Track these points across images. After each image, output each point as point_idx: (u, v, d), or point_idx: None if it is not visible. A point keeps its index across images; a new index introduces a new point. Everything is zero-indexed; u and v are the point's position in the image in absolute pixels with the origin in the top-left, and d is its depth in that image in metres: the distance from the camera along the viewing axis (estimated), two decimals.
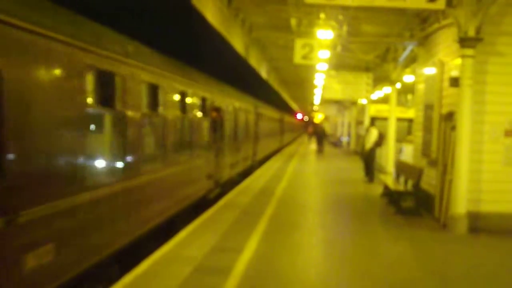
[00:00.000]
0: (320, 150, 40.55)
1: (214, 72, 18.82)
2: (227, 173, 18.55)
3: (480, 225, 11.89)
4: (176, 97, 11.79)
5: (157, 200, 10.48)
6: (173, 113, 11.41)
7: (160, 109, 10.68)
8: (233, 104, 20.09)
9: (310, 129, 73.49)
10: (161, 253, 9.30)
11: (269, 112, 36.03)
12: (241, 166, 22.42)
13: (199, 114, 14.20)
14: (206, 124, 15.11)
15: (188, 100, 12.90)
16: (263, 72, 33.91)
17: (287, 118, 60.97)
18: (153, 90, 10.30)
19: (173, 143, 11.46)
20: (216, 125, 16.44)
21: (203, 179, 14.67)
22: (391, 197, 15.39)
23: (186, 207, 12.82)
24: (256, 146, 27.50)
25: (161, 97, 10.63)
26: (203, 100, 14.67)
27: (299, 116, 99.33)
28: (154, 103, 10.31)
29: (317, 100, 54.09)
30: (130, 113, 8.78)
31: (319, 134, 42.67)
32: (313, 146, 51.19)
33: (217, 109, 16.72)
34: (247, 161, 24.34)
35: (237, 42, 21.83)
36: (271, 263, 9.05)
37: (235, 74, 36.22)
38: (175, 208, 11.75)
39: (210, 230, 11.27)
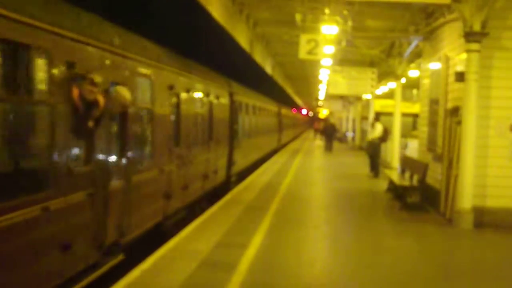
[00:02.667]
0: (328, 149, 36.22)
1: (218, 68, 18.81)
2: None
3: (485, 220, 11.86)
4: None
5: None
6: None
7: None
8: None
9: (317, 125, 67.49)
10: (167, 248, 9.31)
11: (256, 100, 26.69)
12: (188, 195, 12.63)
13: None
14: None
15: None
16: (268, 68, 33.86)
17: (287, 112, 52.03)
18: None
19: None
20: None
21: None
22: (396, 192, 15.37)
23: None
24: (234, 150, 18.84)
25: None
26: None
27: (304, 111, 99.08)
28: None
29: (322, 95, 54.00)
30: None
31: (329, 131, 37.88)
32: (318, 141, 51.10)
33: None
34: (207, 182, 14.65)
35: (242, 38, 21.81)
36: (276, 258, 9.05)
37: (240, 69, 36.12)
38: None
39: (215, 225, 11.28)
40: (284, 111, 45.45)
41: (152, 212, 10.11)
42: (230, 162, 18.20)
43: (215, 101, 15.67)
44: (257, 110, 26.55)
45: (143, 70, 9.58)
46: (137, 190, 8.99)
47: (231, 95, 18.45)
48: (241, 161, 20.49)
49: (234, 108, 18.86)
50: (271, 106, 34.92)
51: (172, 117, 11.42)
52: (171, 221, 11.19)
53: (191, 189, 12.74)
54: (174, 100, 11.52)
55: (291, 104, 73.92)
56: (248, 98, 23.39)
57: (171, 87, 11.04)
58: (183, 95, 12.17)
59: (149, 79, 9.93)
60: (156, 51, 10.94)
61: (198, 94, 13.79)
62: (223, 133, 17.05)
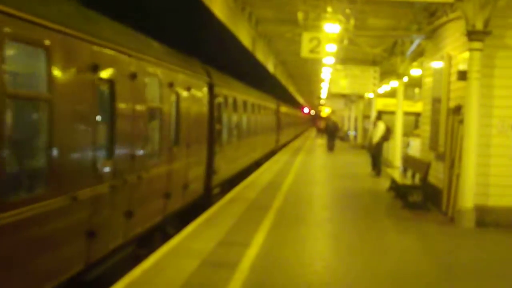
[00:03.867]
0: (330, 148, 35.42)
1: (220, 66, 18.76)
2: None
3: (487, 219, 11.85)
4: None
5: None
6: None
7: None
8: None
9: (320, 124, 65.12)
10: (169, 246, 9.32)
11: (248, 95, 22.36)
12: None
13: None
14: None
15: None
16: (270, 66, 33.86)
17: (287, 109, 47.16)
18: None
19: None
20: None
21: None
22: (398, 191, 15.35)
23: None
24: (217, 156, 15.20)
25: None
26: None
27: (306, 110, 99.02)
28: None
29: (324, 94, 53.99)
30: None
31: (331, 130, 36.66)
32: (320, 140, 51.07)
33: None
34: (171, 202, 11.02)
35: (244, 36, 21.81)
36: (278, 256, 9.05)
37: (242, 68, 36.04)
38: None
39: (217, 224, 11.28)
40: (283, 108, 41.52)
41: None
42: (210, 171, 14.52)
43: (184, 93, 11.74)
44: (250, 106, 22.62)
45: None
46: None
47: (211, 87, 14.51)
48: (227, 169, 16.91)
49: (216, 104, 15.10)
50: (268, 103, 30.85)
51: (94, 114, 7.46)
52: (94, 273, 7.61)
53: (138, 216, 8.85)
54: (96, 87, 7.51)
55: (292, 101, 72.99)
56: (236, 92, 19.39)
57: (93, 68, 7.27)
58: (119, 81, 8.19)
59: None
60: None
61: (149, 82, 9.55)
62: (199, 135, 13.33)
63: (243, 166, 20.83)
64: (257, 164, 24.37)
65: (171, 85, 10.68)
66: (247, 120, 21.92)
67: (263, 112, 27.47)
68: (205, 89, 14.11)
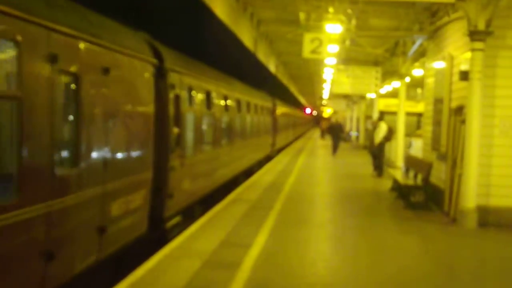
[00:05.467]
0: (335, 150, 32.27)
1: (221, 67, 18.73)
2: None
3: (489, 219, 11.84)
4: None
5: None
6: None
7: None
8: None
9: (323, 125, 62.29)
10: (171, 247, 9.32)
11: (229, 90, 17.69)
12: None
13: None
14: None
15: None
16: (272, 67, 33.87)
17: (285, 109, 41.44)
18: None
19: None
20: None
21: None
22: (400, 191, 15.34)
23: None
24: (173, 173, 10.91)
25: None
26: None
27: (308, 110, 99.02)
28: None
29: (325, 94, 53.96)
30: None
31: (336, 131, 33.33)
32: (321, 141, 51.01)
33: None
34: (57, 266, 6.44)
35: (246, 37, 21.81)
36: (280, 257, 9.05)
37: (243, 68, 36.01)
38: None
39: (219, 224, 11.28)
40: (281, 108, 36.86)
41: None
42: (163, 195, 10.31)
43: (91, 78, 7.35)
44: (234, 104, 18.30)
45: None
46: None
47: (161, 73, 10.20)
48: (193, 188, 12.76)
49: (172, 98, 10.79)
50: (261, 101, 26.14)
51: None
52: None
53: None
54: None
55: (293, 102, 72.42)
56: (211, 84, 14.74)
57: None
58: None
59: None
60: None
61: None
62: (134, 144, 9.02)
63: (224, 180, 16.41)
64: (246, 174, 20.61)
65: (52, 59, 6.26)
66: (230, 121, 17.54)
67: (254, 111, 23.31)
68: (148, 75, 9.63)
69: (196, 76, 13.23)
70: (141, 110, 9.38)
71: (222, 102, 16.21)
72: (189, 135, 12.56)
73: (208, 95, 14.27)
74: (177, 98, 11.24)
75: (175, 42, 13.54)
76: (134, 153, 9.08)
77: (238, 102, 19.17)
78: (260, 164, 24.78)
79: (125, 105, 8.63)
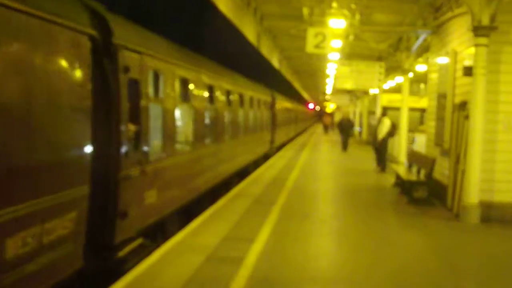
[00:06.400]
0: (344, 147, 31.21)
1: (225, 62, 18.70)
2: None
3: (492, 215, 11.84)
4: None
5: None
6: None
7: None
8: None
9: (326, 120, 60.30)
10: (174, 242, 9.34)
11: (212, 78, 14.40)
12: None
13: None
14: None
15: None
16: (275, 62, 33.81)
17: (285, 103, 38.47)
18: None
19: None
20: None
21: None
22: (403, 186, 15.35)
23: None
24: (126, 190, 8.22)
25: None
26: None
27: (311, 105, 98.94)
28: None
29: (329, 89, 53.91)
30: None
31: (345, 127, 31.84)
32: (324, 136, 50.98)
33: None
34: None
35: (249, 32, 21.78)
36: (283, 252, 9.06)
37: (247, 63, 35.95)
38: None
39: (222, 219, 11.30)
40: (281, 102, 34.37)
41: None
42: (112, 215, 7.89)
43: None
44: (222, 96, 15.50)
45: None
46: None
47: (107, 49, 7.69)
48: (160, 202, 9.83)
49: (123, 86, 8.07)
50: (256, 93, 23.15)
51: None
52: None
53: None
54: None
55: (296, 96, 72.00)
56: (189, 70, 12.01)
57: None
58: None
59: None
60: None
61: None
62: (63, 149, 6.58)
63: (208, 187, 13.76)
64: (240, 176, 18.42)
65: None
66: (216, 117, 14.70)
67: (249, 105, 20.59)
68: (82, 53, 6.89)
69: (168, 60, 10.41)
70: (64, 100, 6.51)
71: (206, 94, 13.49)
72: (156, 134, 9.76)
73: (185, 83, 11.61)
74: (136, 85, 8.64)
75: (180, 37, 13.46)
76: (54, 163, 6.26)
77: (228, 94, 16.44)
78: (256, 164, 22.45)
79: (30, 94, 5.82)
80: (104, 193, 7.67)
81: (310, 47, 18.81)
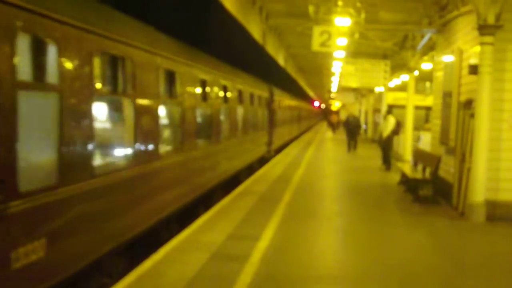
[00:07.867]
0: (353, 147, 30.05)
1: (230, 60, 18.74)
2: None
3: (498, 213, 11.83)
4: None
5: None
6: None
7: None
8: None
9: (332, 118, 57.69)
10: (179, 239, 9.38)
11: (185, 65, 11.05)
12: None
13: None
14: None
15: None
16: (281, 60, 33.81)
17: (287, 100, 35.36)
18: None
19: None
20: None
21: None
22: (409, 185, 15.34)
23: None
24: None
25: None
26: None
27: (316, 103, 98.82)
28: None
29: (334, 87, 53.84)
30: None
31: (352, 127, 30.36)
32: (330, 134, 50.85)
33: None
34: None
35: (255, 30, 21.80)
36: (288, 249, 9.09)
37: (253, 61, 35.91)
38: None
39: (227, 217, 11.33)
40: (281, 98, 30.99)
41: None
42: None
43: None
44: (199, 88, 12.21)
45: None
46: None
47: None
48: (127, 222, 8.12)
49: (65, 69, 6.10)
50: (250, 87, 19.84)
51: None
52: None
53: None
54: None
55: (302, 94, 71.59)
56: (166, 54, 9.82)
57: None
58: None
59: None
60: None
61: None
62: None
63: (189, 199, 11.48)
64: (233, 183, 16.12)
65: None
66: (189, 114, 11.26)
67: (238, 101, 17.43)
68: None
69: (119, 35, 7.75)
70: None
71: (190, 87, 11.11)
72: (113, 139, 7.48)
73: (158, 71, 9.17)
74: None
75: (182, 36, 13.44)
76: None
77: (211, 86, 13.22)
78: (251, 169, 19.88)
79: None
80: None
81: (315, 45, 18.81)
